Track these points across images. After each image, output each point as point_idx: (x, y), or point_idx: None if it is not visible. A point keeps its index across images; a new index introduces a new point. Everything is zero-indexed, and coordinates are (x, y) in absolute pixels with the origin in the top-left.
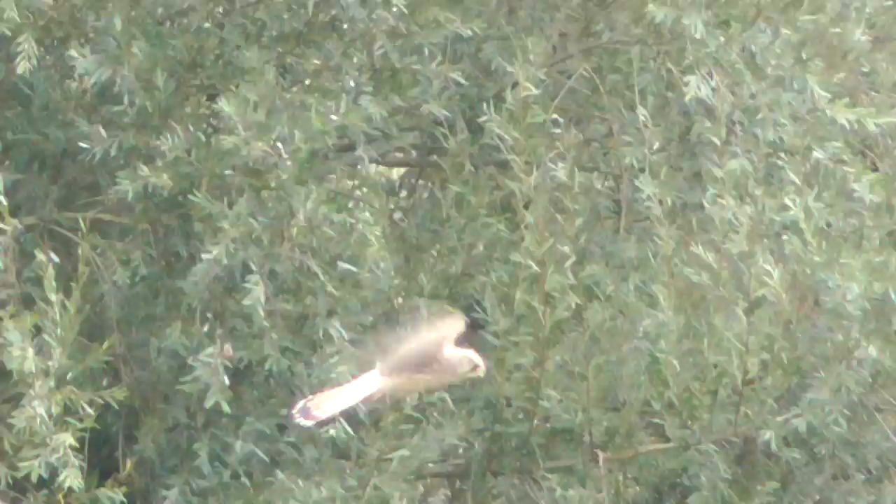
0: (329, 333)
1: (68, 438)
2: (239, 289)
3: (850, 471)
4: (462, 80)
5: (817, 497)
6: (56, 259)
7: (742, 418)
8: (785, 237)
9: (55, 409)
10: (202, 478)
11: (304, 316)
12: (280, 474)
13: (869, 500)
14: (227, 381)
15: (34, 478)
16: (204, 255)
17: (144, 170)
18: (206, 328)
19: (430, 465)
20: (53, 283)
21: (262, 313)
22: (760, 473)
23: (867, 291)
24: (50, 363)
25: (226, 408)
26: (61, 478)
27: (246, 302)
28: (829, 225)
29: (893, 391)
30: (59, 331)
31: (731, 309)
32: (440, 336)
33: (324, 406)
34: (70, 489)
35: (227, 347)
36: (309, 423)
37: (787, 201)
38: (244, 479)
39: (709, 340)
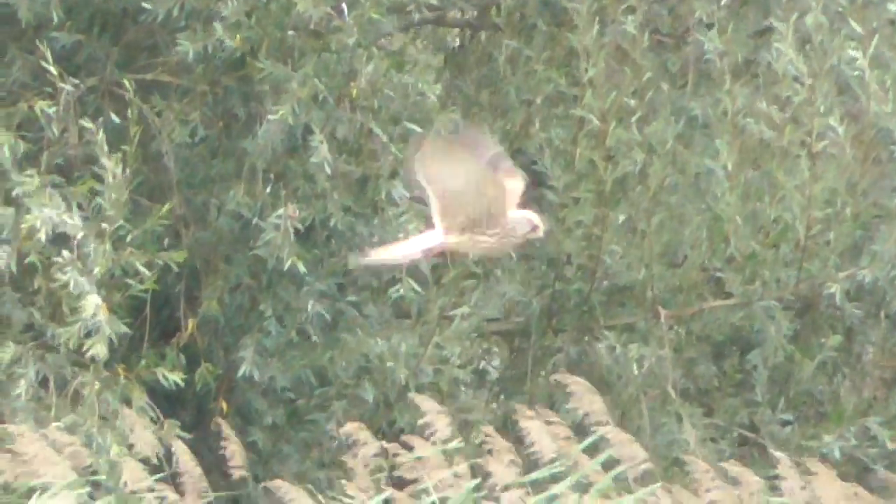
0: (391, 195)
1: (101, 306)
2: (301, 150)
3: None
4: None
5: (879, 349)
6: (117, 120)
7: (805, 273)
8: (850, 89)
9: (116, 271)
10: (269, 337)
11: (365, 177)
12: (344, 333)
13: None
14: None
15: (72, 344)
16: (269, 116)
17: (212, 27)
18: (269, 189)
19: (491, 322)
20: (106, 147)
21: (327, 171)
22: (823, 329)
23: None
24: (104, 225)
25: (301, 268)
26: (88, 344)
27: (313, 160)
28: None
29: None
30: (112, 194)
31: (794, 162)
32: (503, 198)
33: (381, 253)
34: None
35: (293, 209)
36: (363, 261)
37: (853, 52)
38: (314, 338)
39: (771, 195)
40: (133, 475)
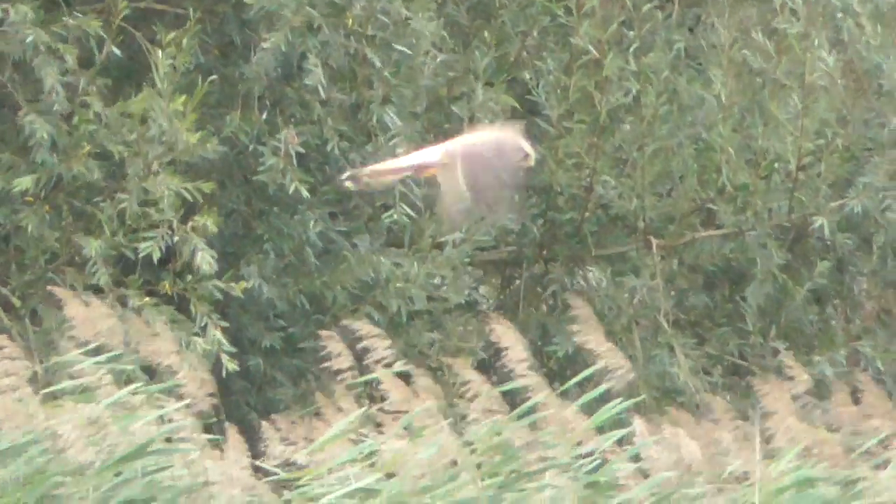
0: (384, 121)
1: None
2: (296, 78)
3: None
4: None
5: (871, 279)
6: (118, 52)
7: (796, 204)
8: (841, 22)
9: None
10: (266, 261)
11: (359, 104)
12: (336, 259)
13: None
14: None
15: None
16: (263, 45)
17: None
18: (265, 115)
19: (483, 251)
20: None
21: (322, 94)
22: (814, 259)
23: None
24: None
25: (304, 192)
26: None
27: (307, 82)
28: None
29: None
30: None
31: (786, 94)
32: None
33: (376, 172)
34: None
35: (292, 134)
36: (355, 187)
37: None
38: (312, 261)
39: (763, 126)
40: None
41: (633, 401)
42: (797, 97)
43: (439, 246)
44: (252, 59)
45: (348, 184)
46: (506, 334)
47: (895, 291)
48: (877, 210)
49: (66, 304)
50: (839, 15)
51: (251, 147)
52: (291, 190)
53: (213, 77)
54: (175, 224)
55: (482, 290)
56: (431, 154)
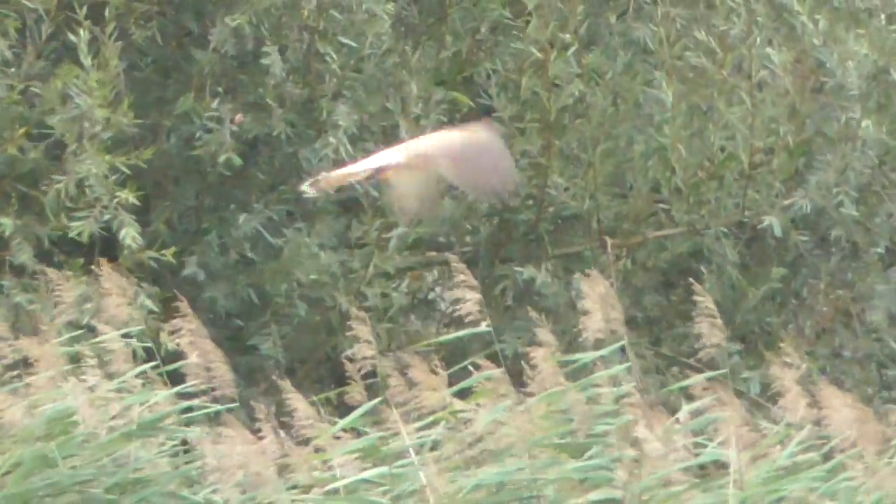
0: (334, 117)
1: (128, 195)
2: (252, 65)
3: (861, 252)
4: None
5: (828, 279)
6: (73, 39)
7: (750, 202)
8: (788, 18)
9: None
10: (213, 258)
11: (311, 99)
12: (296, 248)
13: (880, 278)
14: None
15: (85, 237)
16: (227, 20)
17: None
18: (216, 102)
19: (437, 251)
20: (84, 46)
21: (278, 74)
22: (771, 257)
23: (862, 68)
24: (91, 127)
25: (237, 160)
26: (121, 234)
27: (264, 61)
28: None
29: None
30: (98, 93)
31: (735, 92)
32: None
33: (335, 177)
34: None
35: (239, 116)
36: (316, 193)
37: None
38: (255, 259)
39: (714, 124)
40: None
41: None
42: (745, 95)
43: (386, 239)
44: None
45: (310, 191)
46: None
47: (851, 291)
48: (831, 207)
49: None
50: (786, 12)
51: (198, 134)
52: (222, 159)
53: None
54: (107, 201)
55: (438, 290)
56: (392, 156)
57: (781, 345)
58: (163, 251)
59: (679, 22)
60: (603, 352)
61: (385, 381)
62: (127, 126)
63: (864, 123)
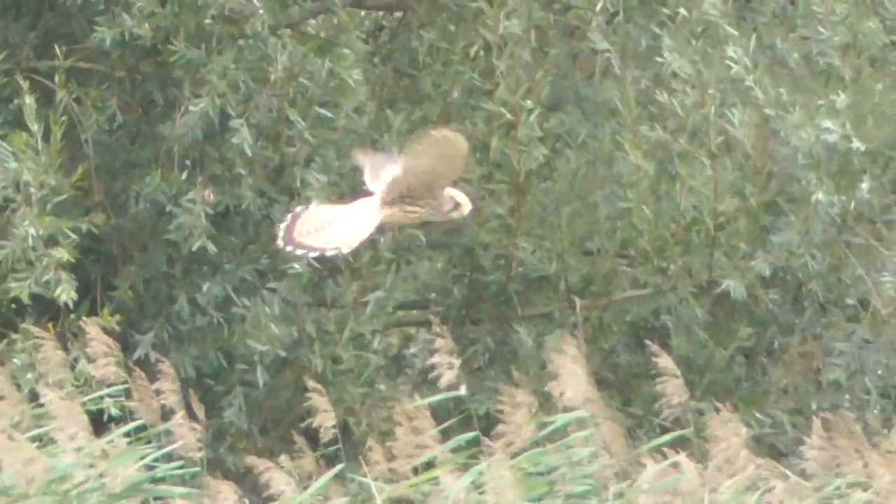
0: (307, 181)
1: (63, 254)
2: (219, 136)
3: (829, 308)
4: None
5: (798, 336)
6: (29, 103)
7: (716, 262)
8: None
9: (42, 232)
10: (182, 322)
11: (282, 165)
12: (256, 317)
13: (847, 333)
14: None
15: (25, 298)
16: (191, 108)
17: (123, 17)
18: (185, 175)
19: (411, 312)
20: (34, 115)
21: (248, 152)
22: (740, 315)
23: (812, 136)
24: (32, 191)
25: (211, 247)
26: (56, 293)
27: (234, 140)
28: (797, 63)
29: (863, 228)
30: (42, 157)
31: (696, 158)
32: (441, 171)
33: (314, 237)
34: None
35: (208, 192)
36: (298, 251)
37: (731, 51)
38: (220, 322)
39: (680, 187)
40: None
41: None
42: (705, 160)
43: (362, 303)
44: (175, 120)
45: (286, 248)
46: None
47: (820, 346)
48: (798, 266)
49: None
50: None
51: (168, 208)
52: (195, 247)
53: (84, 167)
54: (45, 262)
55: (412, 349)
56: (372, 216)
57: (740, 403)
58: (112, 318)
59: (644, 83)
60: (578, 413)
61: (361, 446)
62: (69, 190)
63: (818, 191)
